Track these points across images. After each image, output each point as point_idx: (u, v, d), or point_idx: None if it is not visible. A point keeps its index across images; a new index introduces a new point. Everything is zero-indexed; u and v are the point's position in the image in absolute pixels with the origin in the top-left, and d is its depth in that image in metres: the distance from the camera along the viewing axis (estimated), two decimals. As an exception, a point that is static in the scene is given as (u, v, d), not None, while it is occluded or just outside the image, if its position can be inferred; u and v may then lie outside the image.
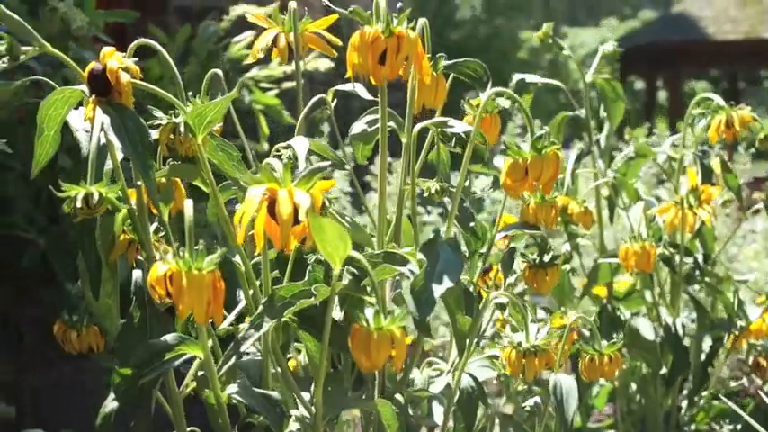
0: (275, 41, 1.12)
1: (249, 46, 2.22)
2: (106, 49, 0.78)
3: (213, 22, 2.15)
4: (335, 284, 0.75)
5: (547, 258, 1.04)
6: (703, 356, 1.52)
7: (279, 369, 0.89)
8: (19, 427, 1.70)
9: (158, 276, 0.66)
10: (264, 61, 2.26)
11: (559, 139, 1.69)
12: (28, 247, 1.83)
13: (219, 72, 1.18)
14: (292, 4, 1.11)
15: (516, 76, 1.75)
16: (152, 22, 2.11)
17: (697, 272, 1.49)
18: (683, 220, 1.40)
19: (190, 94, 1.18)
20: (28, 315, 1.84)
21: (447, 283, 0.73)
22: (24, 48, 0.78)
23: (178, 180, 0.94)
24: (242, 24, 2.26)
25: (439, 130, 0.91)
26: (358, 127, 0.97)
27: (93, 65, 0.77)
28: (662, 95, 15.26)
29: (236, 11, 2.18)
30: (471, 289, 0.90)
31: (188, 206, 0.69)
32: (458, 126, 0.86)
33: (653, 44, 11.71)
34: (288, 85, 2.23)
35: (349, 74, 0.83)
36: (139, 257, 0.91)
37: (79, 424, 1.76)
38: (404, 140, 0.96)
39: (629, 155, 1.59)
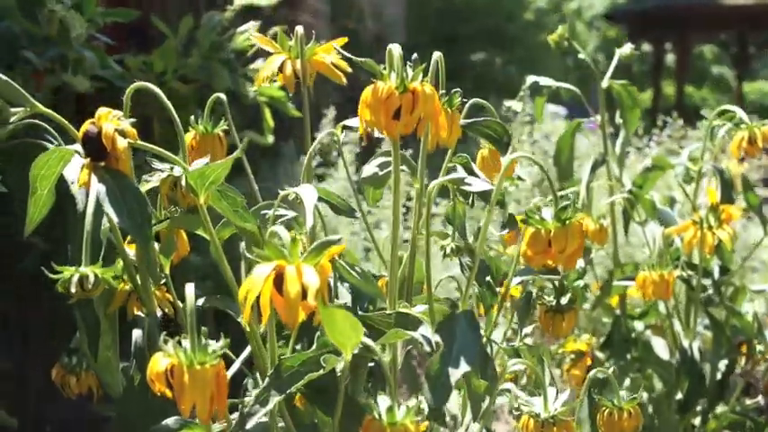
0: (281, 68, 1.06)
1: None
2: (102, 111, 0.73)
3: (217, 12, 2.09)
4: (346, 366, 0.71)
5: (564, 301, 1.00)
6: (719, 375, 1.49)
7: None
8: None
9: (158, 372, 0.62)
10: (270, 52, 2.20)
11: (572, 157, 1.64)
12: (29, 249, 1.79)
13: (223, 96, 1.13)
14: (299, 29, 1.06)
15: (529, 79, 1.70)
16: (154, 12, 2.04)
17: (716, 295, 1.44)
18: (702, 240, 1.36)
19: (192, 118, 1.15)
20: (30, 318, 1.81)
21: (464, 366, 0.69)
22: (14, 109, 0.73)
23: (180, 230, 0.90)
24: (246, 14, 2.20)
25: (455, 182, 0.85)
26: (369, 170, 0.92)
27: (87, 127, 0.72)
28: (669, 58, 15.10)
29: (240, 0, 2.12)
30: (487, 348, 0.86)
31: (189, 290, 0.64)
32: (476, 184, 0.81)
33: (662, 7, 11.56)
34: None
35: (361, 130, 0.78)
36: (140, 313, 0.87)
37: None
38: (416, 186, 0.91)
39: (647, 166, 1.54)
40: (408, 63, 0.78)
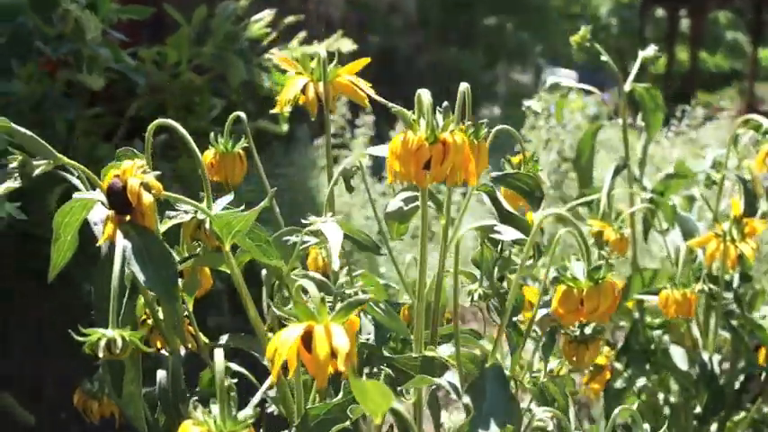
0: (304, 90, 1.05)
1: (268, 25, 2.14)
2: (126, 164, 0.71)
3: (231, 1, 2.06)
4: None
5: (588, 331, 0.99)
6: (737, 384, 1.48)
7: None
8: None
9: (189, 442, 0.62)
10: (285, 41, 2.18)
11: (592, 159, 1.62)
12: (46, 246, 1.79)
13: (243, 115, 1.12)
14: (322, 52, 1.04)
15: (550, 80, 1.68)
16: (168, 1, 2.02)
17: (736, 307, 1.43)
18: (725, 254, 1.34)
19: (212, 135, 1.13)
20: (46, 315, 1.82)
21: (494, 428, 0.69)
22: (37, 162, 0.71)
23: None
24: (261, 3, 2.17)
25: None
26: (394, 205, 0.91)
27: (111, 179, 0.71)
28: (683, 23, 14.92)
29: (254, -12, 2.09)
30: (513, 390, 0.85)
31: (219, 357, 0.64)
32: (507, 233, 0.80)
33: (677, -28, 11.39)
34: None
35: (389, 180, 0.76)
36: (164, 351, 0.86)
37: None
38: (442, 222, 0.90)
39: (668, 173, 1.52)
40: (438, 109, 0.77)
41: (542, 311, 0.94)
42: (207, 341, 0.92)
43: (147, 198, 0.70)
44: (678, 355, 1.46)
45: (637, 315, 1.58)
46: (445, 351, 0.82)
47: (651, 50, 1.60)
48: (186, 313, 0.90)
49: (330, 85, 1.04)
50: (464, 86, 0.94)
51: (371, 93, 1.06)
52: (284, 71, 2.24)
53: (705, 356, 1.39)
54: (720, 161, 1.51)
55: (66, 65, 1.76)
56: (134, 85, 1.88)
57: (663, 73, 15.80)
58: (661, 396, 1.64)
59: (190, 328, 0.91)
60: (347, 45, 2.12)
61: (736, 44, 16.05)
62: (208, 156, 1.11)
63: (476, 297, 0.88)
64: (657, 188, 1.52)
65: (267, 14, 2.12)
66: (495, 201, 0.93)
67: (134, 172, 0.71)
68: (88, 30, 1.40)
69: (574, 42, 1.59)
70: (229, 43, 2.04)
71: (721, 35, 15.89)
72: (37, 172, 0.70)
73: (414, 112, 0.76)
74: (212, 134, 1.12)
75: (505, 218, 0.91)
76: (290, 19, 2.11)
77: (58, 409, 1.76)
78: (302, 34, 2.15)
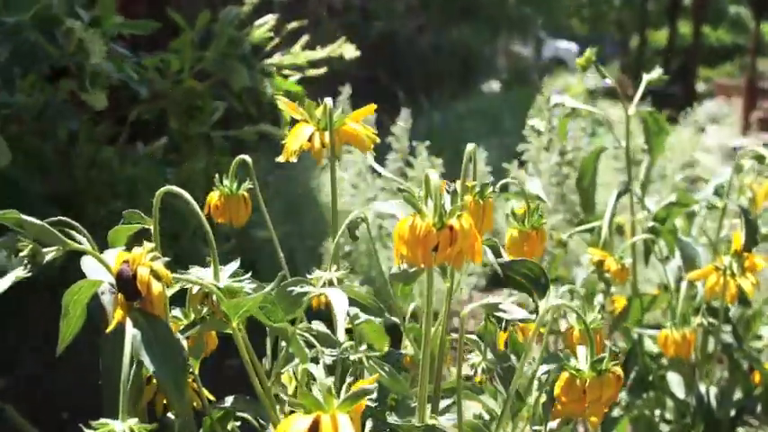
0: (310, 139, 1.04)
1: (271, 29, 2.12)
2: (136, 252, 0.72)
3: (234, 6, 2.04)
4: None
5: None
6: (733, 412, 1.50)
7: None
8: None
9: None
10: (287, 46, 2.17)
11: (595, 181, 1.62)
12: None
13: (248, 158, 1.12)
14: (328, 102, 1.03)
15: (554, 99, 1.67)
16: (171, 6, 2.00)
17: (735, 340, 1.44)
18: (725, 288, 1.35)
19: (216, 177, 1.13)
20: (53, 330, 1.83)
21: None
22: (46, 249, 0.72)
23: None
24: (264, 8, 2.15)
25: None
26: (395, 270, 0.91)
27: (120, 265, 0.71)
28: (687, -3, 14.80)
29: (257, -7, 2.07)
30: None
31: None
32: (515, 312, 0.81)
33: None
34: (312, 72, 2.14)
35: (396, 262, 0.77)
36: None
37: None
38: (446, 285, 0.90)
39: (670, 200, 1.52)
40: (447, 190, 0.77)
41: (543, 368, 0.95)
42: (212, 398, 0.93)
43: (157, 288, 0.70)
44: (675, 383, 1.47)
45: (636, 336, 1.60)
46: (448, 420, 0.84)
47: (656, 73, 1.60)
48: (191, 373, 0.91)
49: (336, 133, 1.04)
50: (471, 147, 0.94)
51: (376, 140, 1.06)
52: (286, 76, 2.23)
53: (702, 388, 1.41)
54: (722, 188, 1.52)
55: (69, 74, 1.75)
56: (136, 92, 1.87)
57: (665, 47, 15.72)
58: (657, 412, 1.66)
59: (194, 384, 0.92)
60: (350, 51, 2.10)
61: (738, 18, 15.96)
62: (213, 198, 1.11)
63: (479, 371, 0.89)
64: (659, 215, 1.52)
65: (270, 19, 2.10)
66: (498, 255, 0.94)
67: (143, 259, 0.71)
68: (93, 54, 1.39)
69: (579, 65, 1.59)
70: (232, 48, 2.03)
71: (724, 9, 15.80)
72: (47, 258, 0.71)
73: (421, 190, 0.76)
74: (216, 175, 1.13)
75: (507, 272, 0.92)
76: (293, 25, 2.10)
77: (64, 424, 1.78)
78: (305, 38, 2.13)
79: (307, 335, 0.98)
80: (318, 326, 1.00)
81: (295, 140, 1.04)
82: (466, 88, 7.05)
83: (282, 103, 1.07)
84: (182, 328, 0.85)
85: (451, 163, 4.00)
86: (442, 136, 4.49)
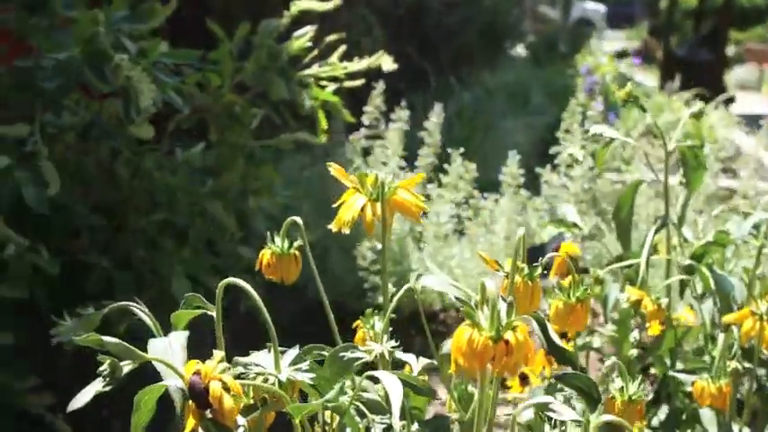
0: (362, 210, 1.07)
1: (310, 40, 2.14)
2: (208, 365, 0.75)
3: (274, 19, 2.06)
4: None
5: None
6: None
7: None
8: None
9: None
10: (324, 57, 2.18)
11: (632, 213, 1.64)
12: (91, 270, 1.85)
13: (299, 220, 1.15)
14: (381, 176, 1.06)
15: (593, 129, 1.68)
16: (212, 18, 2.02)
17: (768, 384, 1.47)
18: (761, 333, 1.37)
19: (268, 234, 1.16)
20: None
21: None
22: (123, 363, 0.76)
23: None
24: (303, 19, 2.16)
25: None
26: (449, 346, 0.94)
27: (192, 376, 0.75)
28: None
29: (297, 6, 2.08)
30: None
31: None
32: (566, 413, 0.84)
33: None
34: (349, 84, 2.15)
35: (452, 369, 0.80)
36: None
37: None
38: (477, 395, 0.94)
39: (707, 240, 1.54)
40: (502, 302, 0.80)
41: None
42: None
43: (229, 403, 0.74)
44: (707, 419, 1.50)
45: (668, 362, 1.63)
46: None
47: (697, 107, 1.61)
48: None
49: (386, 203, 1.07)
50: (521, 232, 0.96)
51: (426, 209, 1.09)
52: (323, 86, 2.25)
53: (735, 429, 1.44)
54: (760, 224, 1.53)
55: (114, 96, 1.78)
56: (178, 111, 1.91)
57: (695, 8, 15.47)
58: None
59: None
60: (388, 63, 2.11)
61: (772, -20, 15.66)
62: (265, 255, 1.14)
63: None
64: (696, 252, 1.54)
65: (309, 30, 2.12)
66: (543, 330, 0.97)
67: (214, 372, 0.75)
68: (141, 94, 1.42)
69: (618, 98, 1.59)
70: (271, 61, 2.05)
71: (757, -30, 15.50)
72: (125, 371, 0.75)
73: (476, 300, 0.79)
74: (268, 234, 1.16)
75: (553, 349, 0.95)
76: (331, 38, 2.11)
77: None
78: (342, 49, 2.15)
79: (357, 404, 1.02)
80: (369, 394, 1.04)
81: (347, 211, 1.06)
82: (494, 58, 7.01)
83: (334, 170, 1.10)
84: (242, 409, 0.89)
85: (482, 147, 4.01)
86: (473, 116, 4.49)
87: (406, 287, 1.03)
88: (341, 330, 1.10)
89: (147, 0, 1.68)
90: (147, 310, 0.93)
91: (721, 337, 1.35)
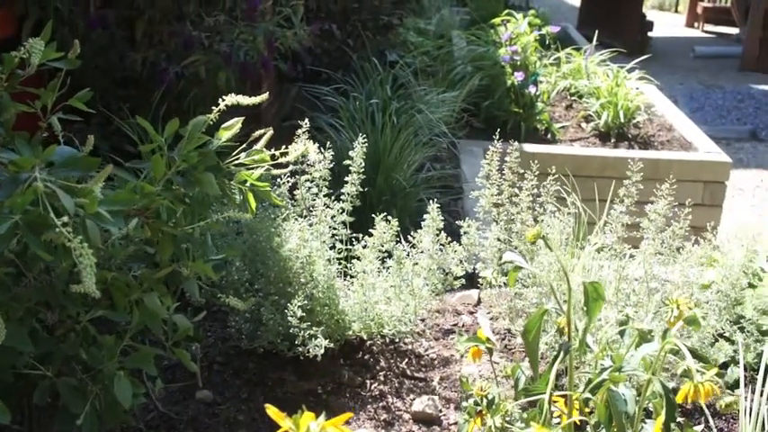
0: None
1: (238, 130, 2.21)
2: None
3: (203, 116, 2.13)
4: None
5: None
6: None
7: None
8: None
9: None
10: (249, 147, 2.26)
11: (539, 334, 1.80)
12: (38, 382, 1.95)
13: None
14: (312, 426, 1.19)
15: (505, 257, 1.83)
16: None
17: None
18: None
19: None
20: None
21: None
22: None
23: None
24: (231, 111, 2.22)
25: None
26: None
27: None
28: None
29: (226, 101, 2.15)
30: None
31: None
32: None
33: None
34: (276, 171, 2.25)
35: None
36: None
37: None
38: None
39: (603, 377, 1.72)
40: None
41: None
42: None
43: None
44: None
45: None
46: None
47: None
48: None
49: (317, 442, 1.21)
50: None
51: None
52: (251, 169, 2.34)
53: None
54: (650, 358, 1.72)
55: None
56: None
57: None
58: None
59: None
60: (313, 153, 2.21)
61: None
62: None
63: None
64: (593, 388, 1.73)
65: (236, 122, 2.19)
66: None
67: None
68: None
69: (529, 238, 1.74)
70: (201, 161, 2.12)
71: None
72: None
73: None
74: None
75: None
76: (259, 132, 2.19)
77: None
78: (268, 135, 2.23)
79: None
80: None
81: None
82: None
83: (271, 412, 1.23)
84: None
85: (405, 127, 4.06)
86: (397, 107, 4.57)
87: None
88: None
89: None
90: None
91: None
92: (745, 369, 2.55)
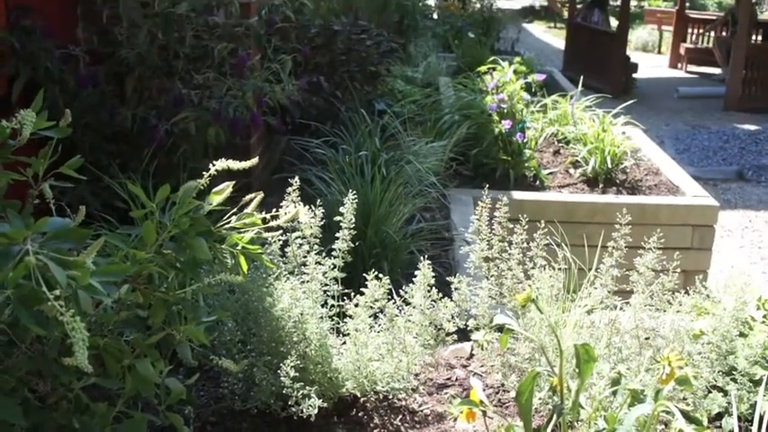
0: None
1: (229, 195, 2.22)
2: None
3: (193, 181, 2.14)
4: None
5: None
6: None
7: None
8: None
9: None
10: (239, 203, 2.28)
11: (531, 397, 1.81)
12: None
13: None
14: None
15: (497, 319, 1.85)
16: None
17: None
18: None
19: None
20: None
21: None
22: None
23: None
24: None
25: None
26: None
27: None
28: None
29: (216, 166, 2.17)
30: None
31: None
32: None
33: None
34: (267, 234, 2.26)
35: None
36: None
37: None
38: None
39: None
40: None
41: None
42: None
43: None
44: None
45: None
46: None
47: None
48: None
49: None
50: None
51: None
52: (243, 233, 2.35)
53: None
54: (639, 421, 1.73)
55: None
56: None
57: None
58: None
59: None
60: (304, 216, 2.22)
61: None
62: None
63: None
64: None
65: (228, 185, 2.20)
66: None
67: None
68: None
69: (520, 300, 1.75)
70: (191, 227, 2.14)
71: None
72: None
73: None
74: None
75: None
76: (250, 196, 2.21)
77: None
78: (259, 198, 2.24)
79: None
80: None
81: None
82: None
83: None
84: None
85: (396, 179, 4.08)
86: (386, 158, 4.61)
87: None
88: None
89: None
90: None
91: None
92: (739, 419, 2.55)
